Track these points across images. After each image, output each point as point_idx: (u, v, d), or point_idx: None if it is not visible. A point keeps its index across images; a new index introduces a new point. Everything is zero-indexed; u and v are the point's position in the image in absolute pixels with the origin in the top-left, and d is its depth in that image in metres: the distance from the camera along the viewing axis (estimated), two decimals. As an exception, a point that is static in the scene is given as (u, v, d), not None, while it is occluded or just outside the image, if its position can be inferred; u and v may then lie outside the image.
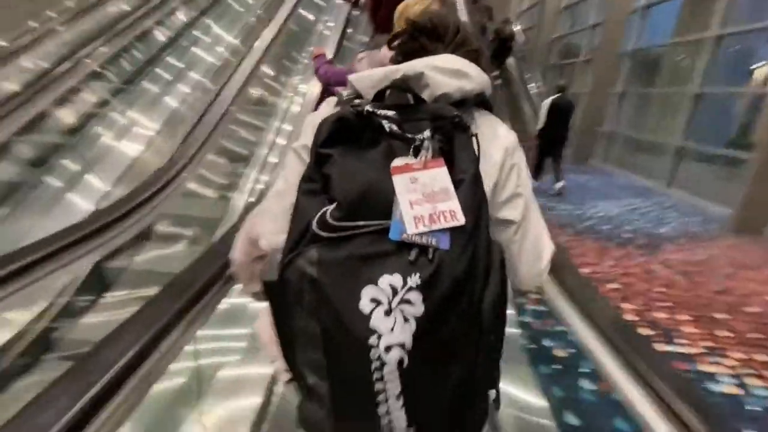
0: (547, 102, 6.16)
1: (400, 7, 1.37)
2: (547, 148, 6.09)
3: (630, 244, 4.10)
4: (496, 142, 0.65)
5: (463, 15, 4.33)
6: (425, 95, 0.61)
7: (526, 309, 2.54)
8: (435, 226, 0.50)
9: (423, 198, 0.52)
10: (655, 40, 8.58)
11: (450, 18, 0.72)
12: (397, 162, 0.54)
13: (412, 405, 0.52)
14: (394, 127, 0.56)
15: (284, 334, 0.57)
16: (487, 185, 0.60)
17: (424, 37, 0.69)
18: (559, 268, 1.58)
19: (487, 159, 0.62)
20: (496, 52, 8.54)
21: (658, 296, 3.00)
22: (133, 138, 2.87)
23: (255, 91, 3.51)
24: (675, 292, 3.10)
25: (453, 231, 0.51)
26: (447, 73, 0.62)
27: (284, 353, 0.58)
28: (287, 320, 0.55)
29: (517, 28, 10.28)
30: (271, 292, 0.56)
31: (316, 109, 0.74)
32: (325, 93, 2.56)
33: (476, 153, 0.56)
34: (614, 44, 8.35)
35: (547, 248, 0.69)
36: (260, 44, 3.21)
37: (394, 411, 0.52)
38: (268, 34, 3.31)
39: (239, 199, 2.66)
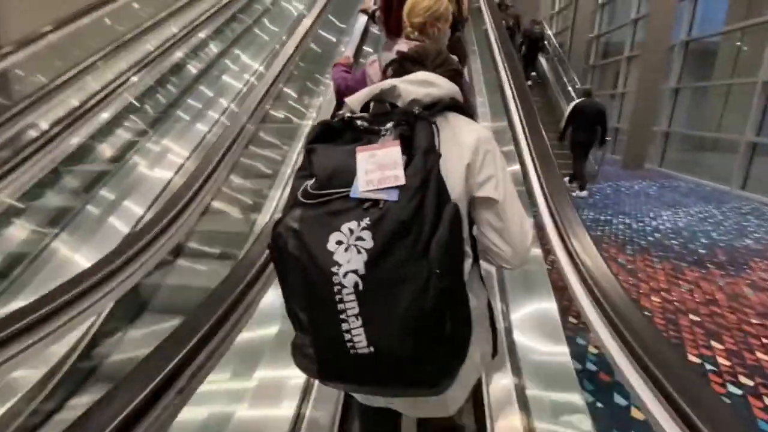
0: (570, 105, 5.98)
1: (408, 3, 1.45)
2: (573, 153, 5.89)
3: (707, 261, 3.51)
4: (470, 132, 0.77)
5: (486, 21, 4.07)
6: (399, 103, 0.77)
7: (589, 354, 2.14)
8: (381, 186, 0.65)
9: (376, 168, 0.67)
10: (706, 29, 7.82)
11: (432, 47, 0.92)
12: (363, 146, 0.71)
13: (369, 325, 0.64)
14: (366, 124, 0.74)
15: (284, 285, 0.71)
16: (460, 165, 0.73)
17: (408, 63, 0.87)
18: (607, 297, 1.21)
19: (460, 143, 0.75)
20: (527, 53, 8.28)
21: (755, 330, 2.46)
22: (166, 165, 2.84)
23: (277, 113, 3.44)
24: (777, 323, 2.54)
25: (402, 188, 0.65)
26: (415, 83, 0.79)
27: (285, 302, 0.72)
28: (283, 271, 0.70)
29: (547, 32, 9.88)
30: (272, 251, 0.71)
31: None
32: (338, 105, 2.43)
33: (434, 136, 0.71)
34: (663, 37, 7.65)
35: (530, 229, 0.80)
36: (278, 61, 3.14)
37: (354, 329, 0.64)
38: (285, 52, 3.24)
39: (262, 221, 2.52)
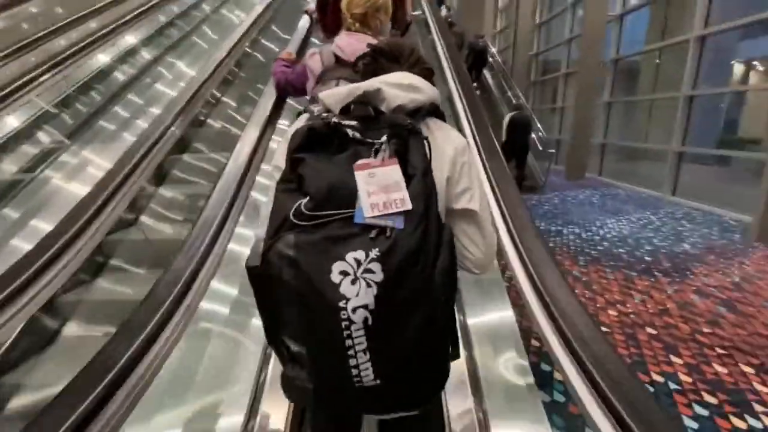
0: (506, 118, 7.04)
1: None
2: (511, 157, 6.88)
3: (654, 269, 3.60)
4: (449, 142, 0.75)
5: (433, 33, 4.03)
6: (383, 107, 0.72)
7: (555, 383, 2.00)
8: (387, 211, 0.62)
9: (379, 189, 0.63)
10: (632, 48, 8.52)
11: (406, 43, 0.86)
12: (360, 162, 0.65)
13: (377, 359, 0.61)
14: (358, 135, 0.68)
15: (267, 312, 0.68)
16: (441, 178, 0.71)
17: (383, 59, 0.82)
18: (566, 321, 1.10)
19: (441, 156, 0.73)
20: (472, 65, 8.59)
21: (708, 340, 2.48)
22: (85, 178, 2.42)
23: (215, 123, 3.12)
24: (724, 331, 2.58)
25: (406, 214, 0.62)
26: (400, 87, 0.74)
27: (266, 331, 0.69)
28: (270, 299, 0.65)
29: (492, 50, 10.32)
30: (254, 275, 0.65)
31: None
32: (280, 98, 2.25)
33: (427, 153, 0.68)
34: (595, 55, 8.19)
35: (495, 235, 0.80)
36: (207, 66, 2.83)
37: (362, 364, 0.61)
38: (216, 56, 2.94)
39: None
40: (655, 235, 4.67)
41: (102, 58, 3.29)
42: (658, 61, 8.01)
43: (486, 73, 9.69)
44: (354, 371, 0.61)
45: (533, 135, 7.69)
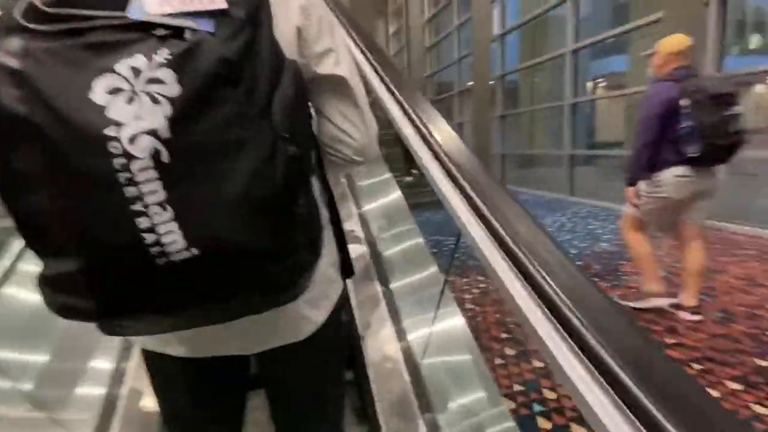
0: None
1: None
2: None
3: (590, 275, 3.37)
4: None
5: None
6: None
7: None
8: (186, 8, 0.40)
9: None
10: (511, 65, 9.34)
11: None
12: None
13: (187, 216, 0.40)
14: None
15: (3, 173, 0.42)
16: (289, 28, 0.55)
17: None
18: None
19: (286, 1, 0.56)
20: None
21: (690, 354, 2.15)
22: None
23: None
24: (692, 337, 2.30)
25: (220, 17, 0.42)
26: None
27: (7, 206, 0.42)
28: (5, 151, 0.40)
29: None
30: None
31: None
32: None
33: None
34: (485, 71, 8.61)
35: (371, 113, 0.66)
36: None
37: (161, 225, 0.39)
38: None
39: None
40: (573, 237, 4.62)
41: None
42: (534, 78, 8.89)
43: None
44: (148, 237, 0.38)
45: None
